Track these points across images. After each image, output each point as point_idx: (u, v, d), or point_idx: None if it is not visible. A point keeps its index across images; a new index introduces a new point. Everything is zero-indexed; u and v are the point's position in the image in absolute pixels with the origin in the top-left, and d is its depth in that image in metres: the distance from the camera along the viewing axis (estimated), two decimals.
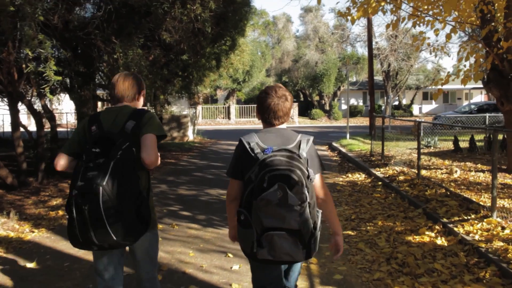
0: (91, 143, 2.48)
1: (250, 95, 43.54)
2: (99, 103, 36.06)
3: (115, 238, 2.33)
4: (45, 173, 9.22)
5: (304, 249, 2.22)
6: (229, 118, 34.30)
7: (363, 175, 9.84)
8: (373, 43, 37.65)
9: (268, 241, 2.17)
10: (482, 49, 8.79)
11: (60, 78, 6.55)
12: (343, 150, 14.44)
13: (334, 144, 16.86)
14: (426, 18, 8.24)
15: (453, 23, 8.30)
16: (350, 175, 9.95)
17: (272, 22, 38.84)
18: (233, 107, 34.36)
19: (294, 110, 34.25)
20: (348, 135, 17.73)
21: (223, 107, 35.03)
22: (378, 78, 45.49)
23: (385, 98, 37.02)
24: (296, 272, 2.76)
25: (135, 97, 2.80)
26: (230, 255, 4.85)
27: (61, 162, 2.65)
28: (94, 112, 3.18)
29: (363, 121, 35.06)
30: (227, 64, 17.76)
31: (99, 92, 14.56)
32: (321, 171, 2.53)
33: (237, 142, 2.49)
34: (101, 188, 2.26)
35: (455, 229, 5.28)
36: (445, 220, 5.66)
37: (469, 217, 5.63)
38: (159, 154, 2.60)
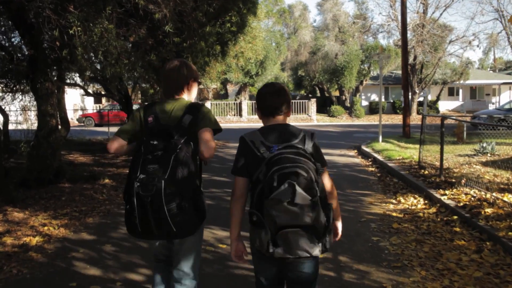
0: (149, 135, 2.51)
1: None
2: (103, 99, 33.04)
3: (175, 229, 2.34)
4: None
5: (319, 243, 2.23)
6: (240, 115, 31.50)
7: (422, 200, 7.02)
8: (399, 33, 34.65)
9: (283, 239, 2.17)
10: None
11: None
12: (379, 157, 11.60)
13: (364, 148, 14.01)
14: None
15: None
16: (402, 199, 7.15)
17: (287, 10, 35.80)
18: (245, 103, 31.55)
19: (312, 107, 31.34)
20: (380, 138, 14.85)
21: (234, 103, 32.19)
22: (400, 72, 42.39)
23: (410, 93, 34.06)
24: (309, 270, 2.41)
25: (184, 88, 2.77)
26: None
27: (115, 145, 2.66)
28: (148, 103, 3.10)
29: (388, 119, 32.07)
30: (237, 53, 15.01)
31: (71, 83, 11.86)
32: (325, 166, 2.46)
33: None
34: (163, 181, 2.28)
35: None
36: None
37: None
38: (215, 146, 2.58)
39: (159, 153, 2.37)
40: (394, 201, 7.14)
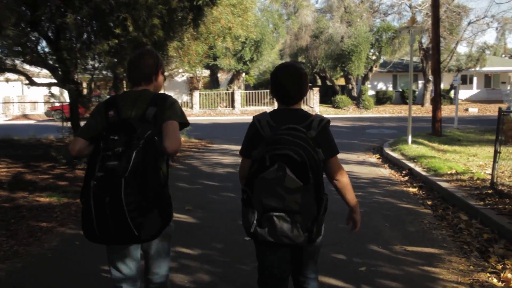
0: (109, 130, 2.24)
1: (260, 79, 37.01)
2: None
3: (136, 233, 2.11)
4: None
5: (305, 232, 2.12)
6: (233, 106, 27.94)
7: None
8: (411, 14, 31.06)
9: (268, 222, 2.11)
10: None
11: None
12: (418, 169, 8.17)
13: (390, 152, 10.57)
14: None
15: None
16: (508, 274, 3.75)
17: None
18: (238, 93, 27.98)
19: (315, 97, 27.81)
20: (410, 138, 11.37)
21: (225, 93, 28.58)
22: (413, 58, 38.85)
23: (423, 82, 30.76)
24: (311, 263, 2.48)
25: (152, 78, 2.51)
26: None
27: (77, 146, 2.41)
28: (110, 95, 2.63)
29: (400, 110, 28.64)
30: (223, 29, 11.51)
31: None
32: (335, 154, 2.35)
33: (240, 146, 2.42)
34: (123, 180, 2.06)
35: None
36: None
37: None
38: (181, 141, 2.37)
39: (120, 149, 2.12)
40: (496, 280, 3.72)
